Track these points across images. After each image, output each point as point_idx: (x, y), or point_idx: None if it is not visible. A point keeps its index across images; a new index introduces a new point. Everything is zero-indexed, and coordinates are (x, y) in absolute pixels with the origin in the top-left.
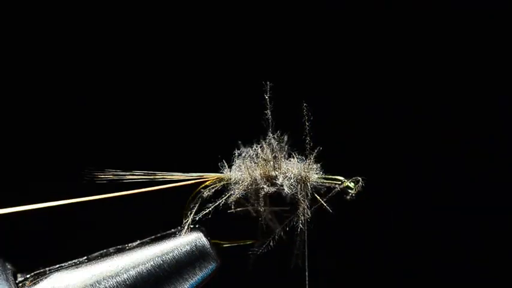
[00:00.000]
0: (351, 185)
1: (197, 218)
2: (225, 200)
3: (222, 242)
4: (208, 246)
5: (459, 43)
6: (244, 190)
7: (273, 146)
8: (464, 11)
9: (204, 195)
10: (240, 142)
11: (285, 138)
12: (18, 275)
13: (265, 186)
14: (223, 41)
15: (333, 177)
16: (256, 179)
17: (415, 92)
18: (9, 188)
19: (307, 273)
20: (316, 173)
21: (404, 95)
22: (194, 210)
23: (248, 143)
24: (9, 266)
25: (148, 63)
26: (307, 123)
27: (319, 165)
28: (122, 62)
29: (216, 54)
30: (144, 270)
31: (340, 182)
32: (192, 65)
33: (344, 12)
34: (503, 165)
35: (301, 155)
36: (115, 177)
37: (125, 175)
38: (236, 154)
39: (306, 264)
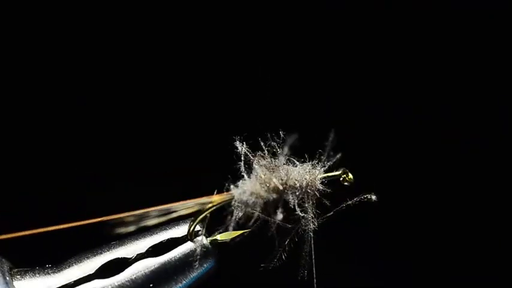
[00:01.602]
0: (349, 176)
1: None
2: (235, 223)
3: (217, 237)
4: (205, 243)
5: (459, 43)
6: (254, 211)
7: (277, 158)
8: (464, 11)
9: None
10: (241, 152)
11: (287, 145)
12: (16, 272)
13: (273, 206)
14: (221, 43)
15: (333, 174)
16: (264, 198)
17: (415, 92)
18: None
19: (315, 282)
20: (321, 179)
21: (405, 95)
22: (200, 231)
23: (250, 153)
24: (6, 263)
25: (146, 65)
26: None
27: (322, 167)
28: (118, 64)
29: (213, 54)
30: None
31: (338, 175)
32: (192, 68)
33: (344, 12)
34: (503, 165)
35: (301, 157)
36: (132, 227)
37: (141, 219)
38: (242, 171)
39: (314, 272)
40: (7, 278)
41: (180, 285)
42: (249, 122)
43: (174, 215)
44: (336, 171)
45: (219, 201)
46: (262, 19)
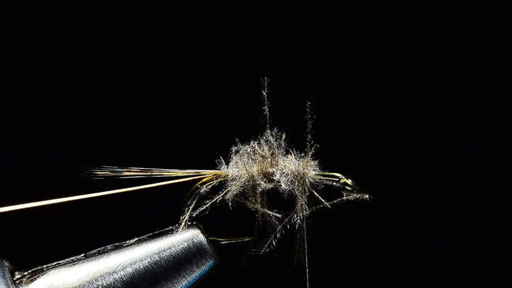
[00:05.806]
0: (349, 181)
1: (194, 215)
2: (222, 196)
3: (219, 239)
4: (206, 243)
5: (459, 43)
6: (241, 186)
7: (270, 142)
8: (464, 11)
9: (201, 192)
10: (237, 138)
11: (283, 134)
12: (16, 273)
13: (262, 182)
14: (221, 38)
15: (331, 173)
16: (253, 175)
17: (415, 92)
18: (6, 186)
19: (307, 270)
20: (314, 170)
21: (404, 95)
22: (191, 207)
23: (245, 139)
24: (6, 263)
25: (146, 59)
26: (309, 121)
27: (316, 162)
28: (118, 59)
29: (213, 50)
30: (141, 267)
31: (337, 179)
32: (190, 60)
33: (344, 10)
34: (503, 165)
35: (299, 152)
36: (112, 174)
37: (122, 171)
38: (233, 150)
39: (306, 260)
40: (7, 279)
41: (183, 283)
42: (247, 118)
43: (156, 174)
44: (335, 173)
45: (211, 177)
46: (261, 15)
